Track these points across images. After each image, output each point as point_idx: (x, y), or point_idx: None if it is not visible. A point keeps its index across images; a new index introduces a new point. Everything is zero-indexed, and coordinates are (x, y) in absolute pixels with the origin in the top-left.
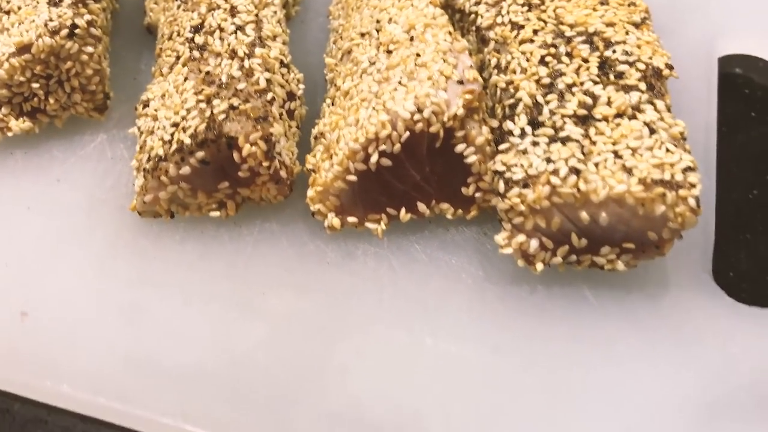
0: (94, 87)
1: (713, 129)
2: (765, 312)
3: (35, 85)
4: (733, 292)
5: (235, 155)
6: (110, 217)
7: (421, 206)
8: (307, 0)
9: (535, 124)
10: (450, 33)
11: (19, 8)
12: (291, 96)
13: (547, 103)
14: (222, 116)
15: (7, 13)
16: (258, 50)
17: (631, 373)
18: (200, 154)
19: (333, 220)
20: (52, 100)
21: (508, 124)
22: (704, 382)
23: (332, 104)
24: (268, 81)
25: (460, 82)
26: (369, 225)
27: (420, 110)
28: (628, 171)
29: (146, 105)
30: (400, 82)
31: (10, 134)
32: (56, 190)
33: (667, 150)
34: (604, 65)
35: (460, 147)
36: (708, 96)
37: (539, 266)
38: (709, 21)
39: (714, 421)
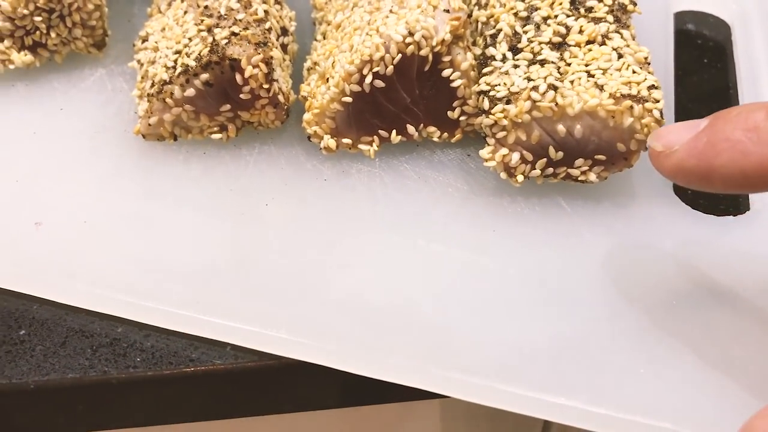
0: (95, 22)
1: (671, 72)
2: (719, 219)
3: (38, 19)
4: (691, 204)
5: (238, 77)
6: (114, 141)
7: (411, 128)
8: None
9: (515, 50)
10: None
11: None
12: (284, 31)
13: (525, 32)
14: (224, 41)
15: None
16: None
17: (603, 268)
18: (204, 76)
19: (329, 141)
20: (53, 34)
21: (491, 50)
22: (667, 275)
23: (324, 38)
24: (266, 12)
25: (446, 11)
26: (362, 146)
27: (411, 34)
28: (600, 87)
29: (145, 40)
30: (391, 11)
31: (11, 66)
32: (60, 118)
33: (634, 71)
34: (575, 1)
35: (446, 72)
36: (665, 45)
37: (519, 178)
38: None
39: (675, 306)
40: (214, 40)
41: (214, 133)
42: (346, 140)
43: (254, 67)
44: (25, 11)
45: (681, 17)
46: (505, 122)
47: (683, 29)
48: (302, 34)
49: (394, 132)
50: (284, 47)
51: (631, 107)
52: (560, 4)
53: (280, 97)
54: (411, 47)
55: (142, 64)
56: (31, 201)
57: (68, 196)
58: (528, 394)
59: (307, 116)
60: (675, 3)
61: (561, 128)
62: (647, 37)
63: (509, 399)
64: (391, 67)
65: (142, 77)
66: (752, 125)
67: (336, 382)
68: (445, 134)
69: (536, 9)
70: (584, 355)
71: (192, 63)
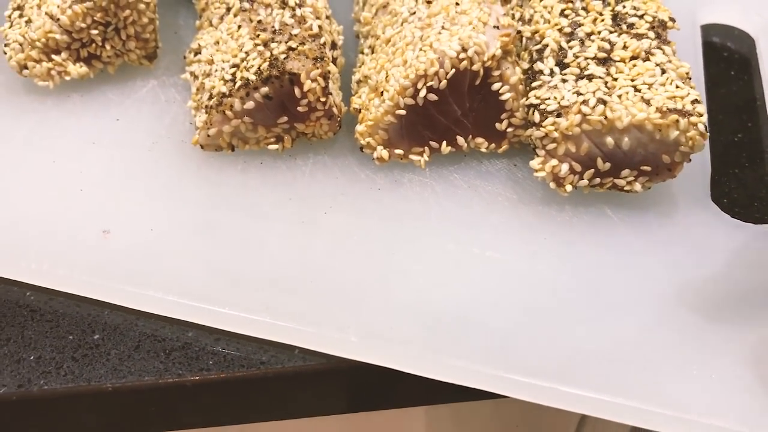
0: (148, 35)
1: (701, 84)
2: (757, 227)
3: (94, 32)
4: (728, 213)
5: (296, 91)
6: (172, 151)
7: (460, 140)
8: None
9: (562, 65)
10: None
11: None
12: (333, 45)
13: (571, 48)
14: (283, 56)
15: None
16: (308, 0)
17: (650, 274)
18: (264, 89)
19: (382, 152)
20: (108, 47)
21: (538, 65)
22: (712, 281)
23: (372, 52)
24: (320, 27)
25: (496, 27)
26: (413, 157)
27: (465, 50)
28: (647, 102)
29: (198, 52)
30: (443, 27)
31: (68, 78)
32: (117, 128)
33: (677, 86)
34: (617, 17)
35: (496, 85)
36: (695, 57)
37: (568, 188)
38: None
39: (722, 310)
40: (272, 54)
41: (270, 143)
42: (398, 151)
43: (313, 81)
44: (83, 25)
45: (706, 30)
46: (555, 134)
47: (709, 42)
48: (345, 48)
49: (444, 143)
50: (333, 61)
51: (677, 121)
52: (602, 20)
53: (335, 110)
54: (464, 62)
55: (196, 77)
56: (97, 210)
57: (133, 205)
58: (588, 394)
59: (360, 128)
60: (701, 16)
61: (609, 140)
62: (677, 49)
63: (571, 399)
64: (444, 82)
65: (198, 89)
66: None
67: (400, 384)
68: (493, 145)
69: (579, 25)
70: (637, 357)
71: (252, 77)
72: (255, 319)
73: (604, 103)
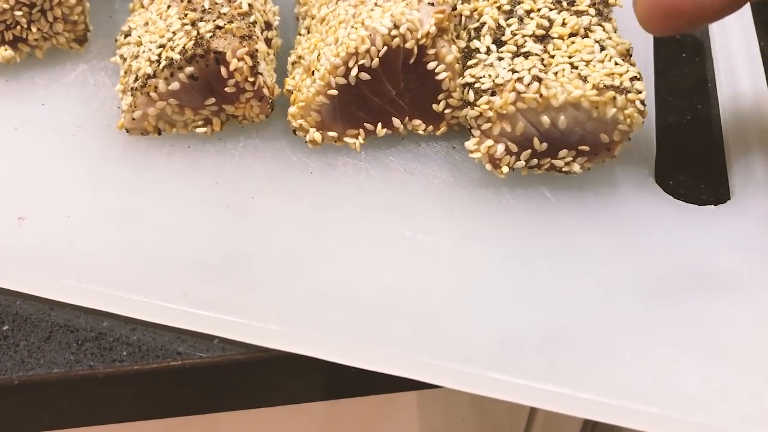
0: (76, 17)
1: (651, 65)
2: (700, 209)
3: (18, 13)
4: (673, 195)
5: (223, 70)
6: (98, 136)
7: (396, 121)
8: None
9: (499, 42)
10: None
11: None
12: (268, 26)
13: (509, 25)
14: (209, 35)
15: None
16: None
17: (587, 257)
18: (189, 69)
19: (314, 134)
20: (34, 29)
21: (475, 43)
22: (651, 263)
23: (308, 32)
24: (250, 6)
25: (431, 4)
26: (347, 140)
27: (396, 26)
28: (583, 79)
29: (128, 34)
30: (376, 4)
31: None
32: (42, 113)
33: (616, 63)
34: None
35: (431, 64)
36: (645, 39)
37: (505, 169)
38: None
39: (660, 293)
40: (198, 33)
41: (198, 127)
42: (331, 133)
43: (239, 60)
44: (5, 6)
45: None
46: (490, 114)
47: None
48: (285, 30)
49: (379, 125)
50: (268, 42)
51: (614, 98)
52: None
53: (265, 91)
54: (396, 40)
55: (125, 59)
56: (14, 196)
57: (52, 191)
58: (517, 381)
59: (292, 109)
60: None
61: (545, 119)
62: (627, 31)
63: (498, 387)
64: (376, 60)
65: (125, 72)
66: None
67: (323, 374)
68: (430, 127)
69: (519, 2)
70: (570, 342)
71: (176, 56)
72: (171, 307)
73: (540, 80)
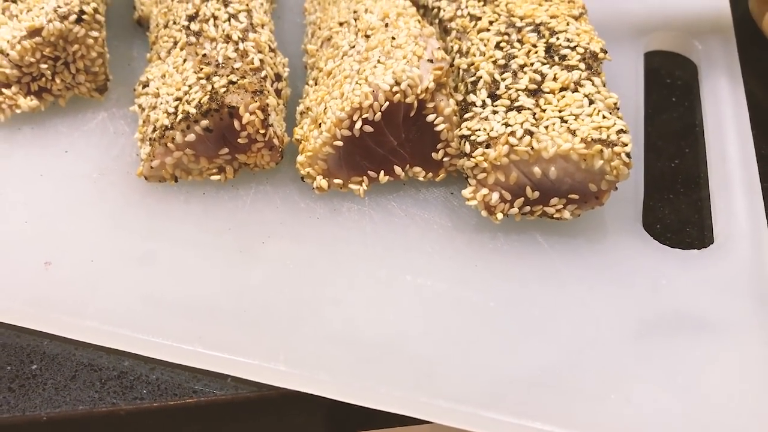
0: (97, 69)
1: (641, 110)
2: (685, 253)
3: (43, 66)
4: (659, 238)
5: (236, 123)
6: (118, 182)
7: (397, 169)
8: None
9: (494, 96)
10: (419, 21)
11: None
12: (278, 77)
13: (504, 80)
14: (223, 90)
15: (14, 1)
16: (251, 35)
17: (577, 300)
18: (204, 122)
19: (321, 181)
20: (58, 80)
21: (471, 97)
22: (637, 306)
23: (315, 84)
24: (261, 61)
25: (430, 61)
26: (352, 186)
27: (398, 83)
28: (572, 132)
29: (146, 85)
30: (378, 61)
31: (18, 111)
32: (65, 160)
33: (604, 116)
34: (550, 49)
35: (430, 117)
36: (636, 84)
37: (499, 216)
38: (636, 22)
39: (645, 335)
40: (213, 88)
41: (213, 174)
42: (337, 180)
43: (251, 114)
44: (32, 59)
45: (651, 57)
46: (485, 165)
47: (653, 68)
48: (294, 78)
49: (382, 172)
50: (278, 92)
51: (602, 151)
52: (536, 52)
53: (275, 141)
54: (398, 95)
55: (143, 109)
56: (41, 241)
57: (75, 236)
58: (508, 419)
59: (300, 158)
60: (645, 44)
61: (537, 170)
62: (620, 76)
63: (490, 425)
64: (379, 114)
65: (144, 121)
66: None
67: (328, 411)
68: (430, 174)
69: (514, 57)
70: (559, 383)
71: (192, 110)
72: (187, 348)
73: (531, 134)
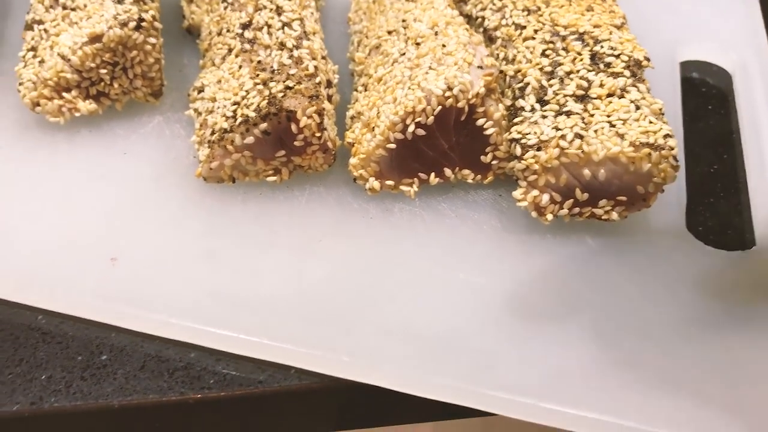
0: (154, 74)
1: (679, 118)
2: (730, 254)
3: (103, 71)
4: (702, 241)
5: (293, 127)
6: (177, 184)
7: (447, 171)
8: (323, 10)
9: (542, 102)
10: (467, 30)
11: (85, 5)
12: (329, 84)
13: (551, 86)
14: (281, 94)
15: (73, 9)
16: (305, 42)
17: (627, 299)
18: (263, 125)
19: (373, 183)
20: (116, 85)
21: (520, 102)
22: (681, 301)
23: (365, 89)
24: (315, 68)
25: (480, 68)
26: (403, 188)
27: (450, 88)
28: (621, 136)
29: (201, 90)
30: (430, 67)
31: (77, 114)
32: (124, 162)
33: (650, 121)
34: (595, 57)
35: (480, 121)
36: (673, 92)
37: (549, 217)
38: (672, 32)
39: (692, 329)
40: (270, 93)
41: (269, 175)
42: (389, 182)
43: (308, 117)
44: (92, 64)
45: (686, 66)
46: (536, 167)
47: (688, 78)
48: (341, 85)
49: (432, 174)
50: (329, 98)
51: (650, 154)
52: (581, 59)
53: (329, 144)
54: (450, 100)
55: (199, 113)
56: (106, 239)
57: (139, 234)
58: (566, 410)
59: (353, 161)
60: (680, 53)
61: (587, 172)
62: (656, 85)
63: (549, 415)
64: (431, 118)
65: (201, 125)
66: None
67: (390, 403)
68: (479, 176)
69: (560, 64)
70: (613, 376)
71: (252, 114)
72: (253, 340)
73: (581, 137)
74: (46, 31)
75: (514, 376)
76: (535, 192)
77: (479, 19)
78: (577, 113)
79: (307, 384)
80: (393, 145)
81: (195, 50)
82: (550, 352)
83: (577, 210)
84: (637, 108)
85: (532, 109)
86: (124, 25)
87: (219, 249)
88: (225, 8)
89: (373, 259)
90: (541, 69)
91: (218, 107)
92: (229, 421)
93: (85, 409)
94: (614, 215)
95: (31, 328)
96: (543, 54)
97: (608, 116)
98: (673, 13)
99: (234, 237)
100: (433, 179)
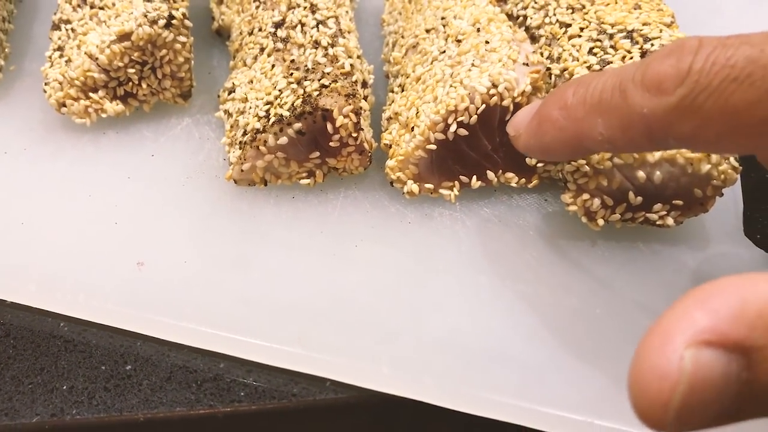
0: (183, 74)
1: None
2: None
3: (131, 71)
4: (761, 246)
5: (329, 126)
6: (207, 186)
7: (490, 174)
8: (355, 13)
9: None
10: (510, 26)
11: (113, 4)
12: (364, 84)
13: None
14: (316, 93)
15: (102, 8)
16: (340, 40)
17: None
18: (297, 125)
19: (412, 186)
20: (144, 85)
21: None
22: None
23: (402, 90)
24: (352, 66)
25: (525, 65)
26: (443, 191)
27: (495, 86)
28: None
29: (231, 91)
30: (473, 64)
31: (104, 115)
32: (152, 164)
33: None
34: (645, 55)
35: None
36: None
37: (600, 222)
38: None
39: None
40: (305, 91)
41: (302, 178)
42: (428, 185)
43: (345, 117)
44: (121, 63)
45: None
46: (586, 168)
47: None
48: (375, 87)
49: (474, 177)
50: (364, 98)
51: (709, 155)
52: (631, 57)
53: (366, 145)
54: (494, 98)
55: (230, 115)
56: (132, 242)
57: (167, 238)
58: (620, 428)
59: (390, 163)
60: None
61: (641, 174)
62: None
63: None
64: (474, 117)
65: (232, 126)
66: (563, 103)
67: (433, 418)
68: (523, 180)
69: (608, 63)
70: None
71: (286, 113)
72: (287, 350)
73: None
74: (73, 30)
75: (567, 391)
76: (586, 196)
77: (521, 18)
78: None
79: (344, 398)
80: (433, 146)
81: (224, 53)
82: (604, 367)
83: (629, 215)
84: None
85: None
86: (153, 22)
87: (250, 254)
88: (257, 7)
89: (413, 265)
90: (589, 67)
91: (250, 107)
92: None
93: (109, 422)
94: (670, 221)
95: (52, 335)
96: (590, 52)
97: None
98: (719, 15)
99: (266, 242)
100: (475, 182)
